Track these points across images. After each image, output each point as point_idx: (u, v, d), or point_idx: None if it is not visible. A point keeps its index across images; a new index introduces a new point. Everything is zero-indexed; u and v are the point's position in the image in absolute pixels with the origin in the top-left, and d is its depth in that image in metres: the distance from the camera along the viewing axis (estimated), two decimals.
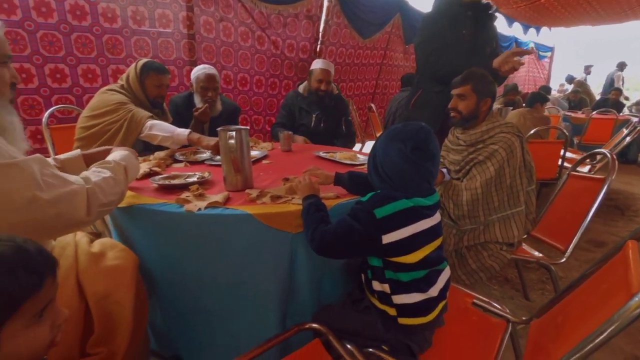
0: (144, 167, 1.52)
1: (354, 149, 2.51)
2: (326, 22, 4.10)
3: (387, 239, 0.90)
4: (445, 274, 1.04)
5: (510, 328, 1.14)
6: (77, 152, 1.18)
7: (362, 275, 1.07)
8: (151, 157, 1.73)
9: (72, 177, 0.86)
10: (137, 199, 1.16)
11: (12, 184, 0.72)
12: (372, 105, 4.38)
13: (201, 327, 1.26)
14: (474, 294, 1.27)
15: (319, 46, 4.18)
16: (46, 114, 2.33)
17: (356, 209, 0.95)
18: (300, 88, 2.66)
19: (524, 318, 1.14)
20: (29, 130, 2.64)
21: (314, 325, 1.04)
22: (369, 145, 5.32)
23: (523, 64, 2.03)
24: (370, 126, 4.85)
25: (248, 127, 1.32)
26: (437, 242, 1.00)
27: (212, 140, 1.75)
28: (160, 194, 1.25)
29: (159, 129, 1.84)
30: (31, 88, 2.58)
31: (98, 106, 1.91)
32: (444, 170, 1.76)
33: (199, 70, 2.25)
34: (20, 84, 2.54)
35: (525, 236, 1.74)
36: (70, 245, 1.01)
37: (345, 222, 0.94)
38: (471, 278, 1.66)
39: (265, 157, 1.89)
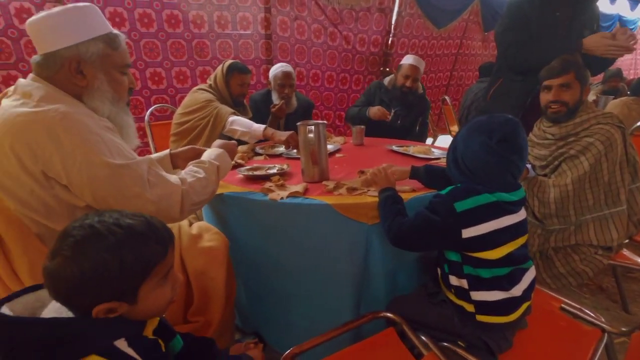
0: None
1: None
2: (399, 13, 4.02)
3: (467, 233, 0.89)
4: (530, 273, 0.99)
5: (605, 338, 1.05)
6: (166, 152, 1.32)
7: (438, 269, 1.06)
8: (239, 150, 1.88)
9: (172, 178, 0.97)
10: (227, 188, 1.29)
11: (124, 181, 0.86)
12: (447, 97, 4.19)
13: (279, 307, 1.37)
14: (562, 298, 1.18)
15: (390, 39, 4.12)
16: (147, 113, 2.66)
17: (435, 202, 0.94)
18: (386, 80, 2.63)
19: (623, 329, 1.03)
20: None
21: (389, 314, 1.06)
22: (441, 140, 5.12)
23: (633, 50, 1.75)
24: (444, 120, 4.65)
25: (326, 122, 1.38)
26: (521, 240, 0.96)
27: (283, 135, 1.86)
28: (245, 183, 1.37)
29: (239, 124, 2.00)
30: (135, 90, 2.96)
31: (190, 104, 2.13)
32: (529, 165, 1.64)
33: (277, 69, 2.39)
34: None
35: (627, 240, 1.55)
36: (174, 227, 1.16)
37: (423, 214, 0.94)
38: (558, 282, 1.53)
39: (338, 150, 1.94)
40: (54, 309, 0.59)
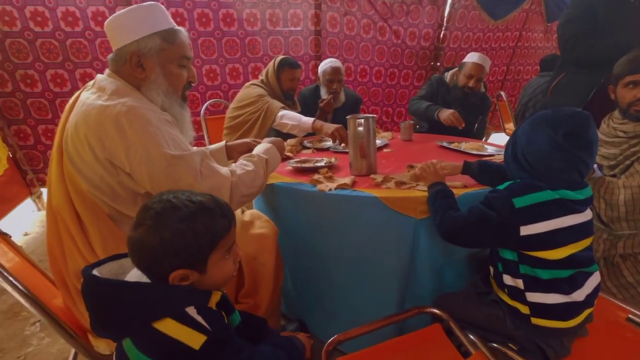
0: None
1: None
2: (452, 5, 3.87)
3: (526, 230, 0.85)
4: (594, 278, 0.92)
5: None
6: (222, 143, 1.39)
7: (491, 268, 1.03)
8: (287, 144, 1.94)
9: (222, 170, 1.01)
10: (277, 178, 1.34)
11: (178, 172, 0.92)
12: (502, 93, 3.97)
13: (324, 296, 1.39)
14: (630, 308, 1.09)
15: (442, 32, 3.98)
16: (203, 107, 2.82)
17: (491, 197, 0.91)
18: (447, 76, 2.44)
19: None
20: None
21: (435, 310, 1.04)
22: (494, 139, 4.86)
23: None
24: (497, 117, 4.41)
25: (375, 115, 1.38)
26: (586, 242, 0.89)
27: (331, 128, 1.87)
28: (295, 175, 1.41)
29: (288, 117, 2.04)
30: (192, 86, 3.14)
31: (242, 99, 2.22)
32: (594, 165, 1.52)
33: (326, 64, 2.42)
34: None
35: None
36: None
37: (478, 209, 0.91)
38: (625, 292, 1.41)
39: (386, 145, 1.93)
40: (135, 276, 0.67)
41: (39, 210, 3.10)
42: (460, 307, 1.05)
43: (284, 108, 2.12)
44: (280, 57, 2.27)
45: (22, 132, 2.89)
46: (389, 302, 1.23)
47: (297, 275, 1.46)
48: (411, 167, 1.34)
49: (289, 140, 1.99)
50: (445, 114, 2.15)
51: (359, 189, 1.19)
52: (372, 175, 1.31)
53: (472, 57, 2.26)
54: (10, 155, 2.81)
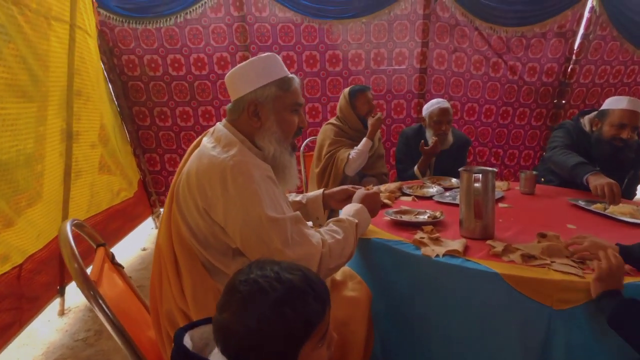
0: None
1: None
2: (585, 37, 3.37)
3: None
4: None
5: None
6: (320, 192, 1.34)
7: None
8: (382, 188, 1.82)
9: (314, 238, 0.95)
10: (374, 232, 1.22)
11: (270, 235, 0.89)
12: None
13: None
14: None
15: (571, 66, 3.48)
16: (303, 144, 2.89)
17: None
18: (585, 121, 1.97)
19: None
20: None
21: None
22: None
23: None
24: None
25: (496, 170, 1.18)
26: None
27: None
28: (394, 229, 1.27)
29: (355, 162, 2.24)
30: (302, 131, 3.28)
31: (317, 145, 2.43)
32: None
33: (433, 105, 2.27)
34: None
35: None
36: None
37: None
38: None
39: (501, 198, 1.66)
40: (218, 353, 0.61)
41: (157, 228, 3.51)
42: None
43: (347, 157, 2.27)
44: (348, 88, 2.40)
45: (153, 159, 3.35)
46: None
47: (389, 342, 1.29)
48: (542, 236, 1.08)
49: (387, 186, 1.87)
50: (599, 183, 1.53)
51: (473, 258, 1.00)
52: (488, 241, 1.10)
53: (619, 103, 1.79)
54: (141, 179, 3.26)
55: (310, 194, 1.35)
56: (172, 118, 3.22)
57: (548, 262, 0.95)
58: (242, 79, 1.04)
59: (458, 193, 1.72)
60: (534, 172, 1.75)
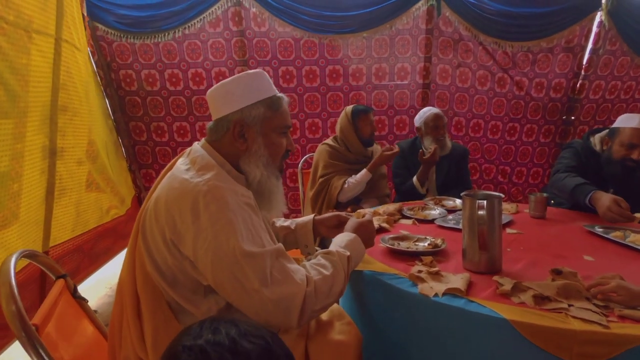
0: (374, 223, 1.50)
1: None
2: (594, 51, 3.27)
3: None
4: None
5: None
6: (310, 217, 1.22)
7: None
8: (381, 210, 1.70)
9: (297, 274, 0.82)
10: (367, 262, 1.10)
11: (245, 272, 0.77)
12: None
13: None
14: None
15: (580, 82, 3.37)
16: (301, 160, 2.78)
17: None
18: (596, 140, 1.83)
19: None
20: (288, 172, 3.27)
21: None
22: None
23: None
24: None
25: (503, 196, 1.06)
26: None
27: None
28: (390, 258, 1.15)
29: (350, 189, 2.15)
30: (294, 138, 3.20)
31: (313, 167, 2.32)
32: None
33: (425, 113, 2.30)
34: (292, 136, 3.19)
35: None
36: None
37: None
38: None
39: (509, 223, 1.53)
40: None
41: None
42: None
43: (343, 184, 2.17)
44: (350, 107, 2.29)
45: (149, 175, 3.27)
46: None
47: None
48: (557, 273, 0.95)
49: (386, 207, 1.74)
50: (605, 204, 1.43)
51: (478, 299, 0.87)
52: (495, 277, 0.97)
53: (630, 121, 1.67)
54: (136, 195, 3.18)
55: (300, 219, 1.23)
56: (169, 133, 3.15)
57: (565, 306, 0.82)
58: (227, 97, 0.95)
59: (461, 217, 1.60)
60: (545, 195, 1.62)
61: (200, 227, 0.79)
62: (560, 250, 1.21)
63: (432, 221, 1.59)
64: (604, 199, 1.46)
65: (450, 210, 1.75)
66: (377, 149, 2.37)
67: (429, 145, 2.22)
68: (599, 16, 3.18)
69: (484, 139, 3.46)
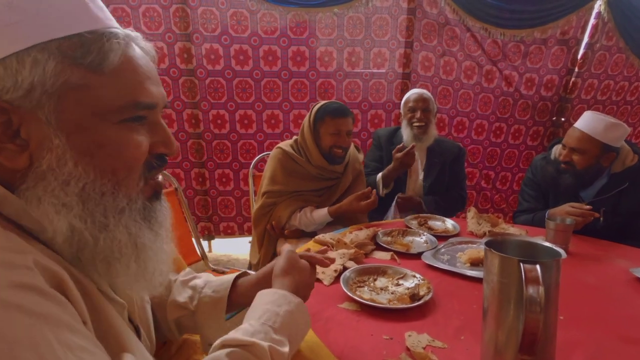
0: (336, 262, 1.01)
1: None
2: (589, 46, 2.95)
3: None
4: None
5: None
6: (231, 278, 0.70)
7: None
8: (347, 238, 1.21)
9: None
10: (317, 350, 0.61)
11: None
12: None
13: None
14: None
15: (572, 79, 3.04)
16: (255, 160, 2.25)
17: None
18: (555, 151, 1.57)
19: None
20: (242, 173, 2.72)
21: None
22: None
23: None
24: None
25: (565, 256, 0.59)
26: None
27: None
28: (361, 317, 0.67)
29: (300, 225, 1.54)
30: (250, 133, 2.66)
31: (263, 174, 1.69)
32: None
33: (410, 93, 1.93)
34: (241, 129, 2.65)
35: None
36: None
37: None
38: None
39: None
40: None
41: None
42: None
43: (290, 214, 1.55)
44: (321, 103, 1.59)
45: None
46: None
47: None
48: None
49: (354, 234, 1.26)
50: (563, 208, 1.35)
51: None
52: None
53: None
54: None
55: (217, 280, 0.71)
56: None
57: None
58: None
59: (458, 253, 1.15)
60: (569, 221, 1.19)
61: None
62: (622, 321, 0.77)
63: (418, 255, 1.13)
64: (560, 207, 1.39)
65: (440, 237, 1.30)
66: (355, 156, 1.73)
67: (407, 139, 1.81)
68: (598, 6, 2.85)
69: (467, 139, 3.07)
